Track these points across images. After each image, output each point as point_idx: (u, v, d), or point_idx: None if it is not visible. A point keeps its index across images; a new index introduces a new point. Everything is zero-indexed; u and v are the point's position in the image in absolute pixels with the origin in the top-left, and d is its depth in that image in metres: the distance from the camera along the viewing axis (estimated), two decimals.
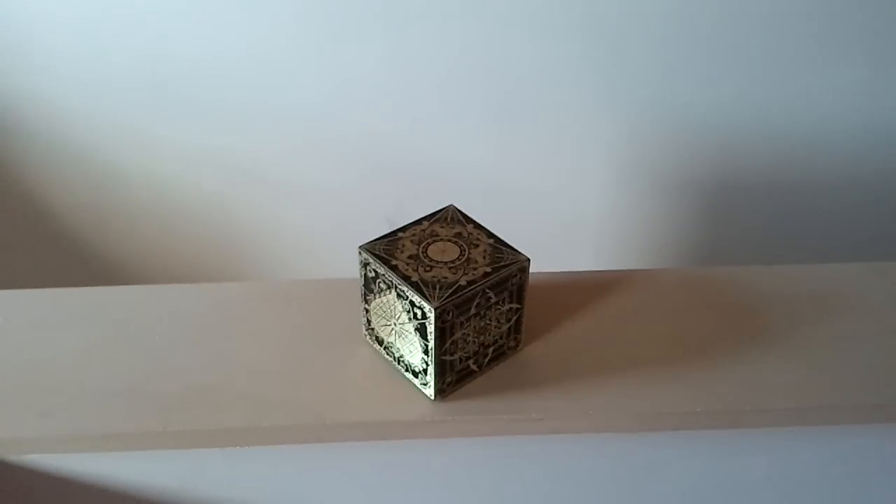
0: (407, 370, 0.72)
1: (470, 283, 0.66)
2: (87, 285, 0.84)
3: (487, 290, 0.68)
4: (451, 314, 0.65)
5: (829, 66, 1.13)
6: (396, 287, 0.67)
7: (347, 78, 1.21)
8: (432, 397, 0.70)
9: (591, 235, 1.34)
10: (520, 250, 0.71)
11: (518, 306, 0.72)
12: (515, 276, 0.69)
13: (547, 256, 1.12)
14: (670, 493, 0.84)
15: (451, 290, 0.65)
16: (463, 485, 0.83)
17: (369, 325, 0.74)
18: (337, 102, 1.25)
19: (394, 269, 0.67)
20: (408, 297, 0.66)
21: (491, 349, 0.72)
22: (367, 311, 0.73)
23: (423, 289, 0.65)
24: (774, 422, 0.73)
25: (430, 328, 0.65)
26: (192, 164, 1.33)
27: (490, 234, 0.72)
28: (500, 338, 0.73)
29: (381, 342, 0.74)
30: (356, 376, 0.73)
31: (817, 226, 1.30)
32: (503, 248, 0.71)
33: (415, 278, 0.66)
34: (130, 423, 0.69)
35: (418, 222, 0.73)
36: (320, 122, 1.27)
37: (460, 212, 0.75)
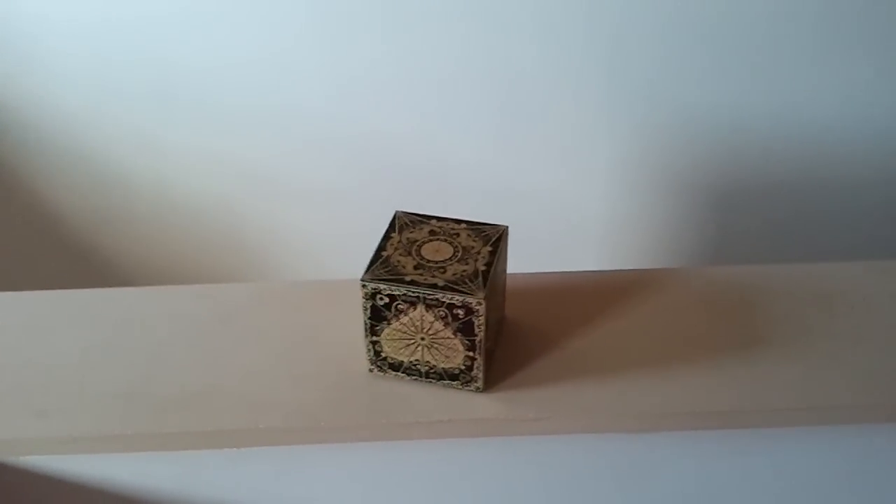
0: (441, 378, 0.70)
1: (487, 265, 0.67)
2: (89, 287, 0.84)
3: (498, 268, 0.69)
4: (490, 300, 0.66)
5: (831, 66, 1.13)
6: (425, 299, 0.65)
7: (348, 80, 1.20)
8: (481, 389, 0.70)
9: (592, 235, 1.34)
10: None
11: (504, 272, 0.74)
12: (505, 245, 0.71)
13: (548, 257, 1.12)
14: (671, 494, 0.84)
15: (482, 279, 0.66)
16: (463, 484, 0.83)
17: (379, 356, 0.71)
18: (338, 104, 1.23)
19: (413, 283, 0.65)
20: (444, 303, 0.65)
21: (500, 324, 0.74)
22: (375, 342, 0.70)
23: (460, 287, 0.65)
24: (775, 422, 0.72)
25: (479, 321, 0.65)
26: (194, 166, 1.33)
27: (457, 220, 0.73)
28: (502, 310, 0.74)
29: (398, 367, 0.71)
30: (357, 377, 0.73)
31: (819, 225, 1.30)
32: (480, 226, 0.72)
33: (441, 283, 0.65)
34: (129, 425, 0.68)
35: (387, 237, 0.71)
36: (322, 123, 1.26)
37: (410, 213, 0.74)
